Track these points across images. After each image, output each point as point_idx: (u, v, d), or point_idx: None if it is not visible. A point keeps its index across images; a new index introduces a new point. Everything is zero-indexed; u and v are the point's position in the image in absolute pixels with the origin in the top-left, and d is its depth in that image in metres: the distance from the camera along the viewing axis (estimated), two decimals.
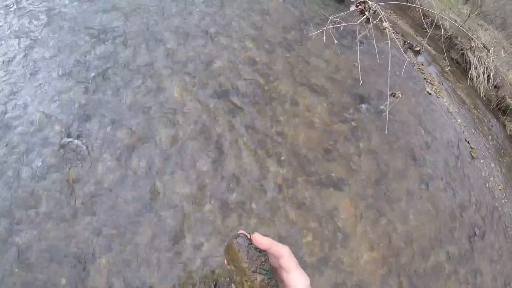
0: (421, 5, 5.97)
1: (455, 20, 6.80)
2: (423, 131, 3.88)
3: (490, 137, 5.14)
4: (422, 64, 5.32)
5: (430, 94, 4.62)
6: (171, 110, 2.74)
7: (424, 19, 5.87)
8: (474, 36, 6.67)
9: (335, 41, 3.39)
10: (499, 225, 3.81)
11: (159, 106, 2.74)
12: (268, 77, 3.34)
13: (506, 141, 5.58)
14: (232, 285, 0.62)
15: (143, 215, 2.24)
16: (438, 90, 4.93)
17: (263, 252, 0.61)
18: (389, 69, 3.24)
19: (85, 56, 2.88)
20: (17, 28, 2.99)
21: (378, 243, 2.75)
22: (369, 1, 3.57)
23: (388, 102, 3.32)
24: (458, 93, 5.51)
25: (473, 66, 6.15)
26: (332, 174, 2.93)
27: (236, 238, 0.62)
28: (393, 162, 3.32)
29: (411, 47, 5.45)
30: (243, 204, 2.47)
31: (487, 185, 4.10)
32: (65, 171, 2.28)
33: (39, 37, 2.94)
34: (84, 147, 2.39)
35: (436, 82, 5.11)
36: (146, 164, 2.43)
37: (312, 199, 2.72)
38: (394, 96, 3.43)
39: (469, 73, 6.21)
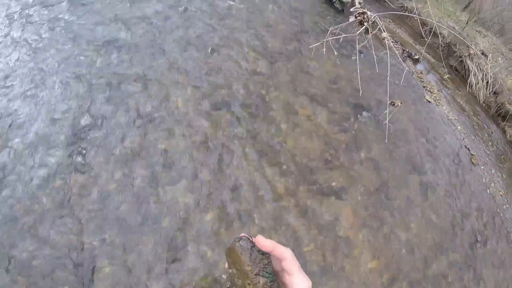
0: (419, 14, 6.06)
1: (453, 28, 6.88)
2: (423, 139, 3.92)
3: (490, 143, 5.17)
4: (421, 72, 5.38)
5: (429, 102, 4.67)
6: (173, 120, 2.80)
7: (422, 28, 5.97)
8: (473, 43, 6.74)
9: (335, 53, 3.46)
10: (501, 231, 3.82)
11: (161, 116, 2.79)
12: (269, 87, 3.40)
13: (507, 146, 5.60)
14: None
15: (146, 224, 2.27)
16: (437, 98, 4.98)
17: (265, 255, 0.61)
18: (388, 78, 3.30)
19: (87, 67, 2.94)
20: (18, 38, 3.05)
21: (380, 251, 2.77)
22: (368, 12, 3.66)
23: (387, 111, 3.38)
24: (458, 100, 5.56)
25: (472, 73, 6.20)
26: (333, 184, 2.97)
27: (238, 241, 0.61)
28: (393, 170, 3.36)
29: (410, 56, 5.52)
30: (245, 213, 2.51)
31: (488, 191, 4.12)
32: (68, 178, 2.32)
33: (41, 47, 3.00)
34: (87, 155, 2.44)
35: (435, 90, 5.16)
36: (149, 173, 2.48)
37: (313, 208, 2.75)
38: (394, 105, 3.49)
39: (468, 80, 6.26)
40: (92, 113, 2.65)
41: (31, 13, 3.29)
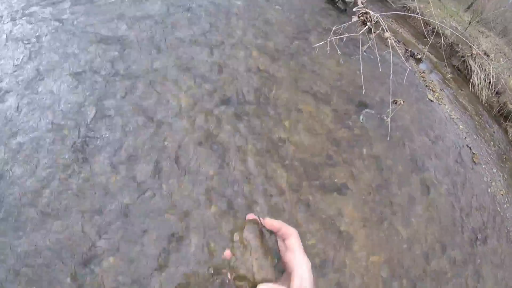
0: (422, 14, 6.09)
1: (456, 28, 6.90)
2: (425, 137, 3.95)
3: (492, 142, 5.19)
4: (423, 72, 5.41)
5: (432, 101, 4.70)
6: (177, 116, 2.84)
7: (425, 28, 5.99)
8: (475, 43, 6.76)
9: (339, 52, 3.49)
10: (501, 229, 3.84)
11: (165, 112, 2.84)
12: (272, 85, 3.44)
13: (508, 146, 5.62)
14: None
15: (150, 216, 2.31)
16: (439, 97, 5.00)
17: (273, 234, 0.64)
18: (391, 77, 3.33)
19: (91, 63, 2.98)
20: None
21: (381, 246, 2.81)
22: (370, 12, 3.69)
23: (390, 109, 3.41)
24: (460, 99, 5.58)
25: (475, 73, 6.22)
26: (336, 180, 3.00)
27: (247, 221, 0.64)
28: (395, 167, 3.39)
29: (412, 55, 5.55)
30: (247, 207, 2.55)
31: (489, 190, 4.14)
32: (71, 172, 2.35)
33: (45, 45, 3.03)
34: (92, 150, 2.47)
35: (437, 89, 5.19)
36: (153, 168, 2.51)
37: (316, 203, 2.79)
38: (396, 103, 3.52)
39: (471, 80, 6.28)
40: (95, 109, 2.68)
41: (34, 10, 3.32)
